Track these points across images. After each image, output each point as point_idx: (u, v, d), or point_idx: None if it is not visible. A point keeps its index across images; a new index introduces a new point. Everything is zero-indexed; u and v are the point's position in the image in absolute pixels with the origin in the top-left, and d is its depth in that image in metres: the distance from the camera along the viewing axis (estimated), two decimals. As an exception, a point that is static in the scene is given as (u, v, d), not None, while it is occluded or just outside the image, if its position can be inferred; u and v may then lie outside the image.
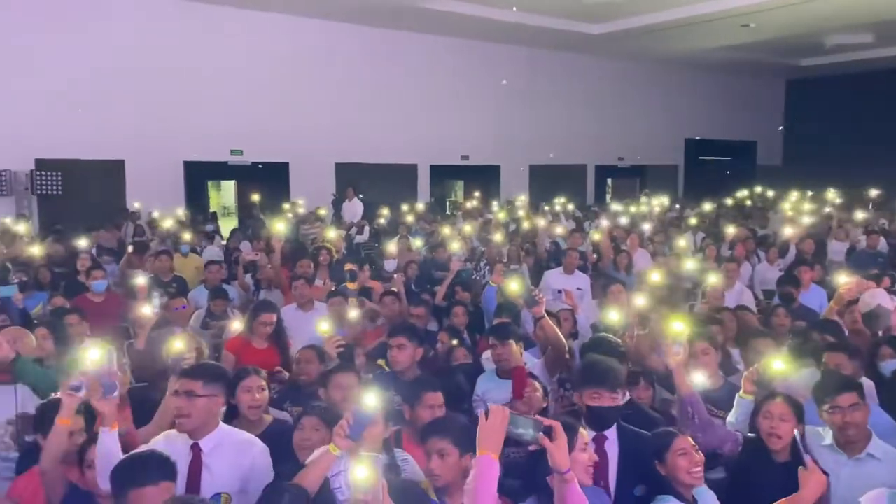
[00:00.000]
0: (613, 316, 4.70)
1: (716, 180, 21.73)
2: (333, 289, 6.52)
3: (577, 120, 20.08)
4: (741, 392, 3.56)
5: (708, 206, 14.72)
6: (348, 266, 6.94)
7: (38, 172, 12.81)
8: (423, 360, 4.32)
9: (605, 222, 9.89)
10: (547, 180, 18.78)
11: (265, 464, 2.99)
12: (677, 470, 2.86)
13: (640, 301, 4.05)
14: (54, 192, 12.89)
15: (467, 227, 10.18)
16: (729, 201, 16.42)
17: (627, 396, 3.29)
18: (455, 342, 5.15)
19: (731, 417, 3.60)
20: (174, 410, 2.96)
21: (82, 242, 8.45)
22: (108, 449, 2.70)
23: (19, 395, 3.40)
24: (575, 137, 20.05)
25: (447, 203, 19.02)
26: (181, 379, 3.00)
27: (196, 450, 2.92)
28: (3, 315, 4.71)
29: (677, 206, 16.29)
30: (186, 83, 13.92)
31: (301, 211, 12.57)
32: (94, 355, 2.74)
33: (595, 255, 8.59)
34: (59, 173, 12.90)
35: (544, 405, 3.82)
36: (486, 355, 4.69)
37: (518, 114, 18.85)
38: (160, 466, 2.50)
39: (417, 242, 9.00)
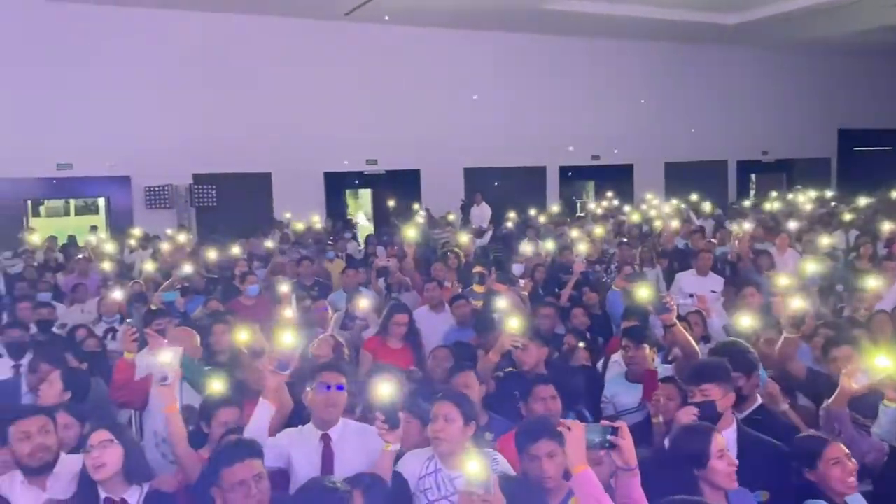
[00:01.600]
0: (746, 321, 4.51)
1: (874, 173, 19.93)
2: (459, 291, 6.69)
3: (716, 114, 19.19)
4: (885, 400, 3.34)
5: (863, 201, 13.57)
6: (477, 269, 7.09)
7: (195, 186, 14.08)
8: (547, 361, 4.37)
9: (746, 224, 9.36)
10: (684, 178, 18.07)
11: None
12: (831, 479, 2.77)
13: (797, 303, 3.84)
14: (210, 204, 14.11)
15: (597, 230, 10.04)
16: (894, 194, 14.93)
17: (732, 396, 3.18)
18: (581, 344, 5.15)
19: (875, 428, 3.38)
20: (323, 400, 3.17)
21: (236, 250, 9.21)
22: (260, 419, 3.02)
23: (185, 388, 3.80)
24: (714, 132, 19.18)
25: (577, 205, 18.78)
26: (328, 372, 3.22)
27: (326, 439, 3.14)
28: (168, 318, 5.26)
29: (832, 202, 15.08)
30: (325, 99, 14.74)
31: (431, 217, 12.92)
32: (288, 338, 3.05)
33: (735, 256, 8.21)
34: (214, 186, 14.11)
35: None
36: (615, 358, 4.66)
37: (652, 111, 18.31)
38: (246, 446, 2.74)
39: (549, 245, 8.98)
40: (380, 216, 16.44)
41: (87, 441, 2.81)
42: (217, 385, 3.34)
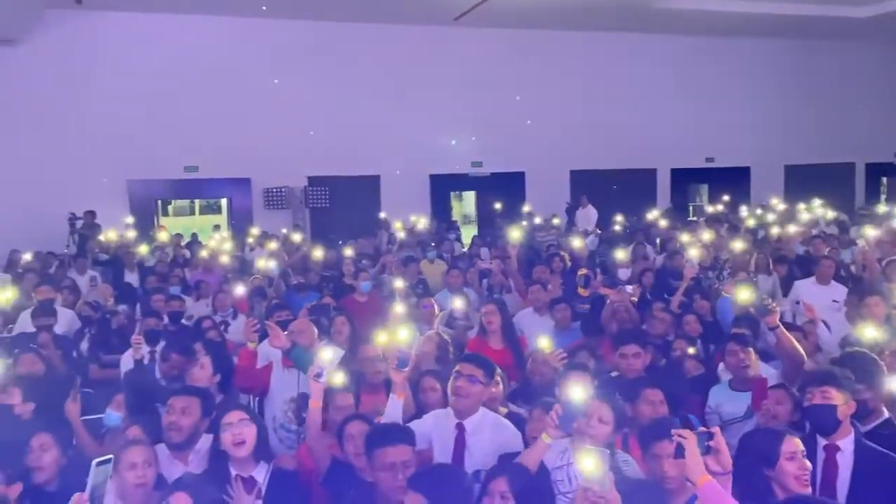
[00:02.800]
0: (869, 332, 4.25)
1: None
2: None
3: (842, 113, 18.02)
4: None
5: None
6: (582, 271, 7.03)
7: (310, 188, 14.71)
8: (652, 366, 4.31)
9: (872, 231, 8.74)
10: (806, 181, 17.07)
11: (517, 446, 3.26)
12: None
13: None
14: (323, 205, 14.71)
15: (708, 234, 9.68)
16: None
17: (853, 405, 3.01)
18: (692, 350, 5.01)
19: None
20: (453, 390, 3.31)
21: (348, 250, 9.59)
22: (393, 413, 3.23)
23: (301, 377, 4.03)
24: (840, 133, 18.03)
25: (689, 208, 18.15)
26: (464, 364, 3.37)
27: (460, 429, 3.27)
28: (286, 311, 5.57)
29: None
30: (432, 103, 15.02)
31: (537, 220, 12.87)
32: (403, 333, 3.21)
33: (860, 265, 7.70)
34: (327, 188, 14.69)
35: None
36: (722, 367, 4.53)
37: (771, 111, 17.45)
38: (400, 432, 2.93)
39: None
40: (483, 218, 16.55)
41: (221, 420, 3.04)
42: (337, 378, 3.52)
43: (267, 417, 4.14)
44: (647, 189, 16.86)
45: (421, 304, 6.15)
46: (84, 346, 6.18)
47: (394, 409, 3.25)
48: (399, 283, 6.42)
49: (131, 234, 11.71)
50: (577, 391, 2.85)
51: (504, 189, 15.85)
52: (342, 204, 14.62)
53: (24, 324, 6.21)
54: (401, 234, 11.57)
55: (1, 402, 3.65)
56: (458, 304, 5.80)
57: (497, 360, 4.63)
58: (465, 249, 11.51)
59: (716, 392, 4.22)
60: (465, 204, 21.61)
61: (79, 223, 12.30)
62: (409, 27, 14.86)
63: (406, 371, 3.33)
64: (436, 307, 6.14)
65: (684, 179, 17.89)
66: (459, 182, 16.69)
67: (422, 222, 13.14)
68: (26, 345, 4.62)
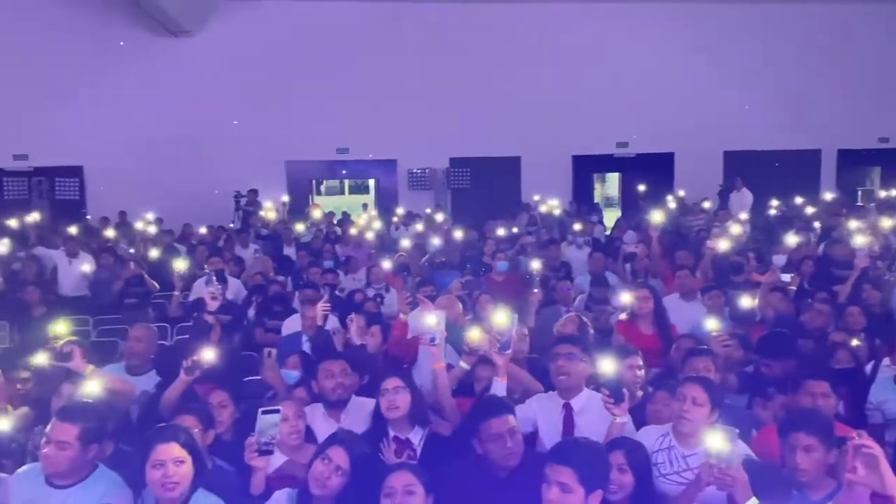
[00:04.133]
0: None
1: None
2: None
3: None
4: None
5: None
6: (733, 258, 6.71)
7: (452, 169, 15.00)
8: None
9: None
10: None
11: (626, 427, 3.24)
12: None
13: None
14: (464, 186, 14.95)
15: (886, 222, 8.82)
16: None
17: None
18: (856, 342, 4.67)
19: None
20: (554, 370, 3.38)
21: (501, 231, 9.74)
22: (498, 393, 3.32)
23: (447, 349, 4.21)
24: None
25: (858, 193, 16.63)
26: (563, 345, 3.43)
27: (568, 409, 3.32)
28: (431, 286, 5.80)
29: None
30: (575, 82, 14.77)
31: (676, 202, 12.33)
32: (500, 318, 3.30)
33: None
34: (468, 169, 14.91)
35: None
36: (887, 361, 4.20)
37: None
38: (501, 404, 3.03)
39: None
40: (628, 201, 16.09)
41: (380, 387, 3.28)
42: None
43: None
44: (810, 172, 15.64)
45: (560, 287, 6.16)
46: (251, 312, 6.74)
47: (498, 390, 3.35)
48: (536, 265, 6.44)
49: (287, 211, 12.55)
50: (608, 366, 3.00)
51: (651, 171, 15.30)
52: (483, 185, 14.78)
53: (199, 291, 6.86)
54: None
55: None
56: (624, 297, 5.69)
57: (645, 345, 4.59)
58: (608, 233, 11.28)
59: (880, 388, 3.94)
60: (609, 186, 21.09)
61: (243, 201, 13.34)
62: (549, 5, 14.66)
63: (508, 353, 3.38)
64: (573, 290, 6.12)
65: (853, 161, 16.41)
66: (603, 163, 16.33)
67: (553, 205, 12.98)
68: (202, 310, 5.12)
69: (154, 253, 8.87)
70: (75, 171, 14.21)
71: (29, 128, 13.64)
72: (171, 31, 13.70)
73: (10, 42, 13.43)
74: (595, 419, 3.21)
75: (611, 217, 14.85)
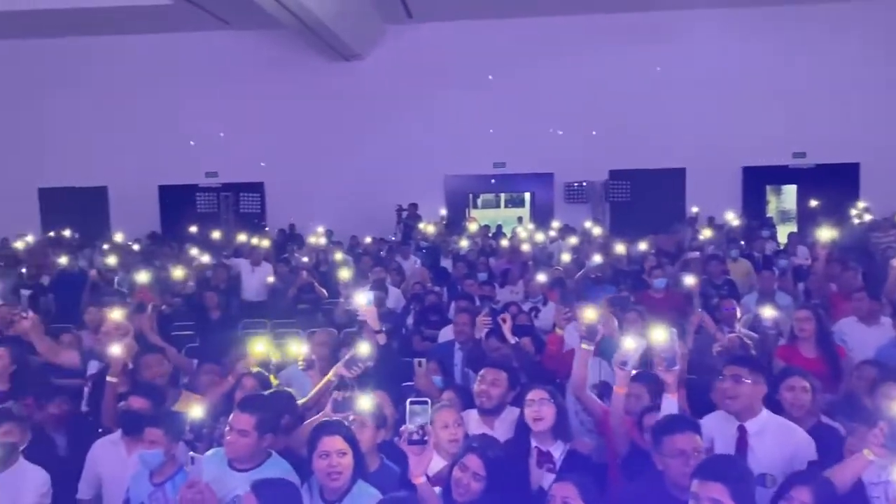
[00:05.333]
0: None
1: None
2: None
3: None
4: None
5: None
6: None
7: (611, 182, 14.72)
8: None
9: None
10: None
11: (810, 453, 3.08)
12: None
13: None
14: (624, 199, 14.61)
15: None
16: None
17: None
18: None
19: None
20: (720, 392, 3.28)
21: (643, 245, 9.46)
22: (668, 410, 3.25)
23: (602, 366, 4.23)
24: None
25: None
26: (731, 366, 3.31)
27: (742, 431, 3.19)
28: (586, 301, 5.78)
29: None
30: (745, 89, 13.99)
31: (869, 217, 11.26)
32: (658, 335, 3.28)
33: None
34: (629, 182, 14.56)
35: None
36: None
37: None
38: (689, 421, 3.00)
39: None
40: (805, 215, 14.89)
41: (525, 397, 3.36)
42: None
43: (568, 401, 4.36)
44: None
45: (722, 306, 5.86)
46: (409, 320, 7.05)
47: (669, 407, 3.27)
48: (690, 280, 6.13)
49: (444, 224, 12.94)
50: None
51: (832, 183, 14.07)
52: (644, 198, 14.36)
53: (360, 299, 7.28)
54: (707, 232, 10.98)
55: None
56: (767, 312, 5.34)
57: (808, 369, 4.27)
58: (780, 248, 10.53)
59: None
60: (785, 199, 19.64)
61: (404, 214, 13.96)
62: (717, 10, 14.02)
63: (676, 370, 3.29)
64: (738, 310, 5.79)
65: None
66: (777, 174, 15.26)
67: (731, 218, 12.33)
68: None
69: (338, 256, 9.58)
70: (257, 187, 15.59)
71: (218, 149, 15.20)
72: (343, 56, 14.67)
73: (200, 75, 15.04)
74: (772, 444, 3.10)
75: (786, 232, 13.84)
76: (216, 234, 12.12)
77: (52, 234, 13.32)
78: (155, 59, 15.00)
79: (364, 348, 3.68)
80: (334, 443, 2.80)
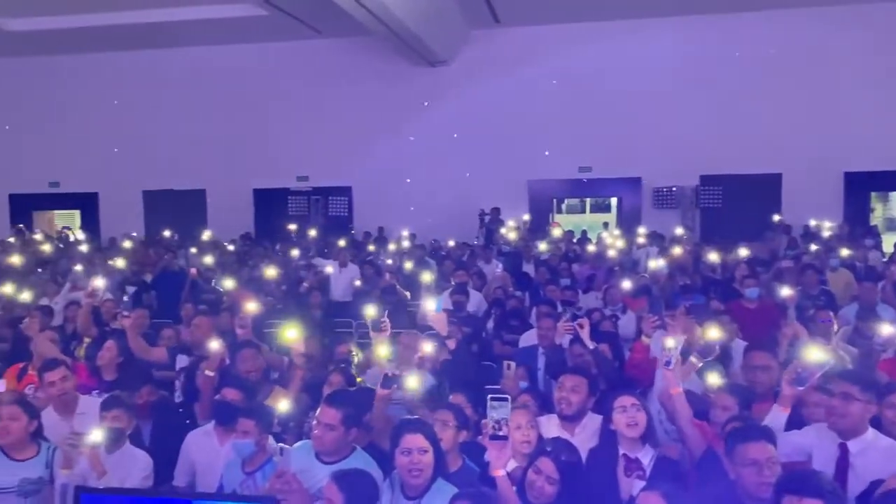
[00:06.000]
0: None
1: None
2: None
3: None
4: None
5: None
6: None
7: (701, 187, 14.27)
8: None
9: None
10: None
11: None
12: None
13: None
14: (715, 205, 14.13)
15: None
16: None
17: None
18: None
19: None
20: (828, 410, 3.14)
21: (742, 252, 9.13)
22: (774, 421, 3.20)
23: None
24: None
25: None
26: (841, 383, 3.16)
27: (843, 449, 3.05)
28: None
29: None
30: (848, 88, 13.31)
31: None
32: (813, 353, 3.23)
33: None
34: (721, 187, 14.07)
35: None
36: None
37: None
38: (764, 430, 2.91)
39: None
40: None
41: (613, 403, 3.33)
42: (713, 378, 3.54)
43: (652, 409, 4.28)
44: None
45: (817, 317, 5.59)
46: (490, 324, 7.08)
47: (774, 418, 3.20)
48: (787, 292, 5.88)
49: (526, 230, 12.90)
50: None
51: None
52: (736, 204, 13.84)
53: (443, 302, 7.36)
54: (812, 246, 10.45)
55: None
56: (885, 329, 4.98)
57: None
58: (885, 259, 9.95)
59: None
60: (892, 206, 18.52)
61: (486, 218, 14.00)
62: (810, 9, 13.38)
63: (799, 389, 3.21)
64: (835, 322, 5.51)
65: None
66: (884, 180, 14.37)
67: (828, 226, 11.73)
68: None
69: (408, 265, 9.70)
70: (345, 191, 16.00)
71: (310, 153, 15.70)
72: (429, 62, 14.87)
73: (292, 83, 15.55)
74: (876, 466, 2.94)
75: (891, 241, 13.03)
76: (313, 233, 12.51)
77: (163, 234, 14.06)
78: (250, 69, 15.65)
79: (427, 347, 3.77)
80: (416, 440, 2.87)
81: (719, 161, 13.99)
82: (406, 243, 11.59)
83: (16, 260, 9.95)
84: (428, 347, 3.86)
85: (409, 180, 14.96)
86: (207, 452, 3.78)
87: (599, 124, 14.30)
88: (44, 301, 7.70)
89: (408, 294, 8.49)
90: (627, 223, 14.34)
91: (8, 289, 7.68)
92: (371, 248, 11.78)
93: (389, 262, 10.47)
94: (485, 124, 14.83)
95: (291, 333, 4.44)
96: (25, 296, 7.57)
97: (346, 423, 3.14)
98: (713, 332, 3.31)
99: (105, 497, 2.99)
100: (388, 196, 15.19)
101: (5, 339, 6.82)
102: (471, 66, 15.07)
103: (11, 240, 12.87)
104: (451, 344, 4.35)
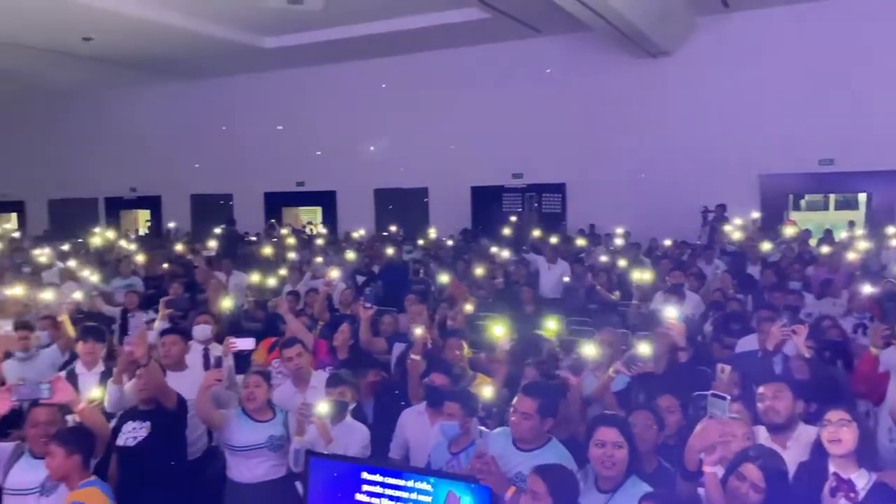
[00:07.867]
0: None
1: None
2: None
3: None
4: None
5: None
6: None
7: None
8: None
9: None
10: None
11: None
12: None
13: None
14: None
15: None
16: None
17: None
18: None
19: None
20: None
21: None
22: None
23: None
24: None
25: None
26: None
27: None
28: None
29: None
30: None
31: None
32: None
33: None
34: None
35: None
36: None
37: None
38: None
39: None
40: None
41: (823, 417, 3.08)
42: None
43: (882, 427, 3.84)
44: None
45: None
46: (707, 327, 6.72)
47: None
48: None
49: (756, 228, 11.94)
50: None
51: None
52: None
53: (658, 303, 7.10)
54: None
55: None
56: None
57: None
58: None
59: None
60: None
61: (710, 216, 13.19)
62: None
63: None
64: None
65: None
66: None
67: None
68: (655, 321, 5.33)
69: (622, 263, 9.50)
70: (559, 188, 16.04)
71: (524, 151, 15.95)
72: (650, 54, 14.36)
73: (511, 81, 15.86)
74: None
75: None
76: (537, 233, 12.68)
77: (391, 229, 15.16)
78: (471, 70, 16.28)
79: (644, 349, 3.68)
80: (610, 434, 2.89)
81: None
82: (619, 241, 11.34)
83: (267, 251, 11.45)
84: (644, 349, 3.78)
85: (643, 175, 14.51)
86: (419, 430, 4.10)
87: (841, 111, 12.81)
88: (287, 287, 8.75)
89: (617, 294, 8.34)
90: (878, 222, 12.68)
91: (256, 277, 8.89)
92: (581, 242, 11.68)
93: (604, 259, 10.31)
94: (709, 115, 14.01)
95: (498, 330, 4.63)
96: (271, 282, 8.72)
97: (542, 412, 3.23)
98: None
99: (330, 462, 3.39)
100: (602, 193, 14.95)
101: (258, 320, 7.87)
102: (696, 55, 14.28)
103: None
104: (683, 356, 4.22)
